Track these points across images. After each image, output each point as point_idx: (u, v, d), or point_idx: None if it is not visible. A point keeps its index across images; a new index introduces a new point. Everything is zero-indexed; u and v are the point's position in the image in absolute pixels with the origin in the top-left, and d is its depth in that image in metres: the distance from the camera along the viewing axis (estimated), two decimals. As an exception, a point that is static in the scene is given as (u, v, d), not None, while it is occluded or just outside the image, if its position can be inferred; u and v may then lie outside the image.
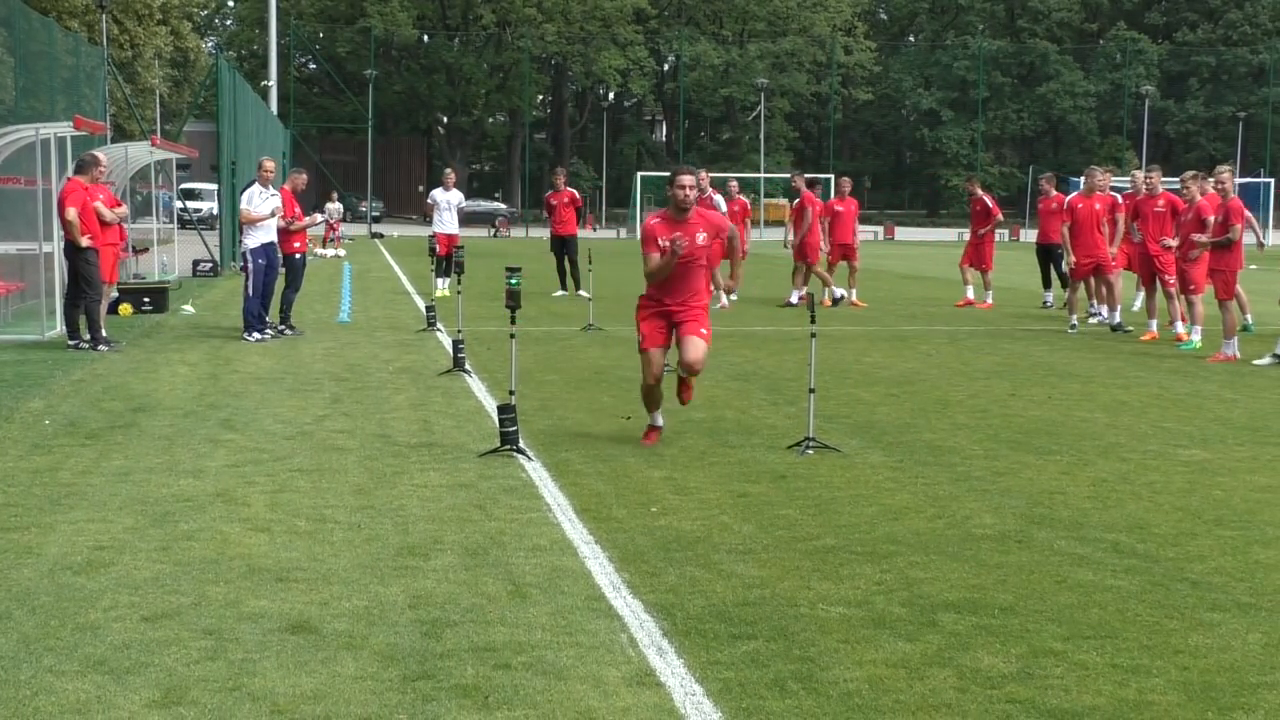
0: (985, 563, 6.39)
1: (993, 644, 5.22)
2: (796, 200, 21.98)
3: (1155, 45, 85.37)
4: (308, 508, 7.31)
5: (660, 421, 9.42)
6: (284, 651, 5.03)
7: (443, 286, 21.75)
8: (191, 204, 43.05)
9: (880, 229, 63.42)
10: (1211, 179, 15.35)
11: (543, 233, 40.59)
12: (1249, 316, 17.58)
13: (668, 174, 9.39)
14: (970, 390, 12.25)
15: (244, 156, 29.91)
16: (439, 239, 21.93)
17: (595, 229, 65.34)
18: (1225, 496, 7.91)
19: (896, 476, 8.36)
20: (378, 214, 64.75)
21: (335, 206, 43.67)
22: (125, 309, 18.49)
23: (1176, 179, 16.69)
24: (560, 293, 22.60)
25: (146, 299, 19.14)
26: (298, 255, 16.50)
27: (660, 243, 8.99)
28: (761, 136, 75.63)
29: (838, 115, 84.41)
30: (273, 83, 50.99)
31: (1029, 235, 55.13)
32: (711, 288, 9.95)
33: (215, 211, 38.33)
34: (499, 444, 8.82)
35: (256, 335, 15.45)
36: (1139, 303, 19.48)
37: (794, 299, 21.41)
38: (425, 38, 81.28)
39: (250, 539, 6.64)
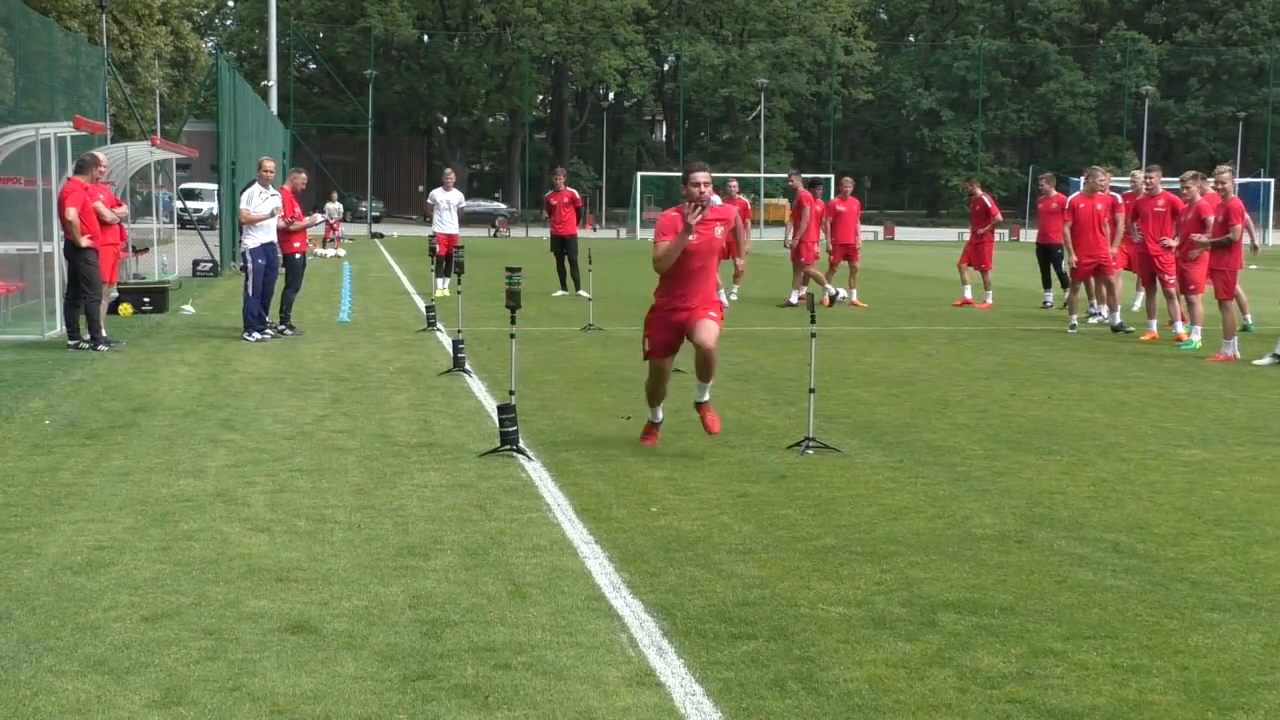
0: (985, 563, 6.40)
1: (993, 644, 5.22)
2: (794, 200, 21.99)
3: (1155, 45, 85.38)
4: (308, 508, 7.31)
5: (660, 418, 9.37)
6: (284, 651, 5.03)
7: (443, 286, 21.75)
8: (191, 204, 43.05)
9: (880, 229, 63.42)
10: (1211, 179, 15.35)
11: (543, 233, 40.59)
12: (1249, 316, 17.59)
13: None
14: (970, 390, 12.25)
15: (244, 156, 29.91)
16: (439, 239, 21.93)
17: (595, 229, 65.34)
18: (1225, 496, 7.91)
19: (896, 476, 8.36)
20: (378, 214, 64.76)
21: (335, 206, 43.68)
22: (125, 309, 18.49)
23: (1176, 179, 16.69)
24: (560, 293, 22.60)
25: (146, 299, 19.14)
26: (298, 255, 16.51)
27: (687, 226, 8.73)
28: (761, 136, 75.63)
29: (838, 115, 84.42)
30: (273, 83, 51.00)
31: (1029, 235, 55.14)
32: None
33: (215, 211, 38.33)
34: (499, 444, 8.82)
35: (256, 335, 15.46)
36: (1139, 303, 19.48)
37: (794, 299, 21.40)
38: (425, 38, 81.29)
39: (250, 539, 6.64)
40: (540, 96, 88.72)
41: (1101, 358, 14.98)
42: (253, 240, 15.47)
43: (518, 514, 7.23)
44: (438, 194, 23.49)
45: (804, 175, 24.68)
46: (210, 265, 27.36)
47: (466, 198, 37.12)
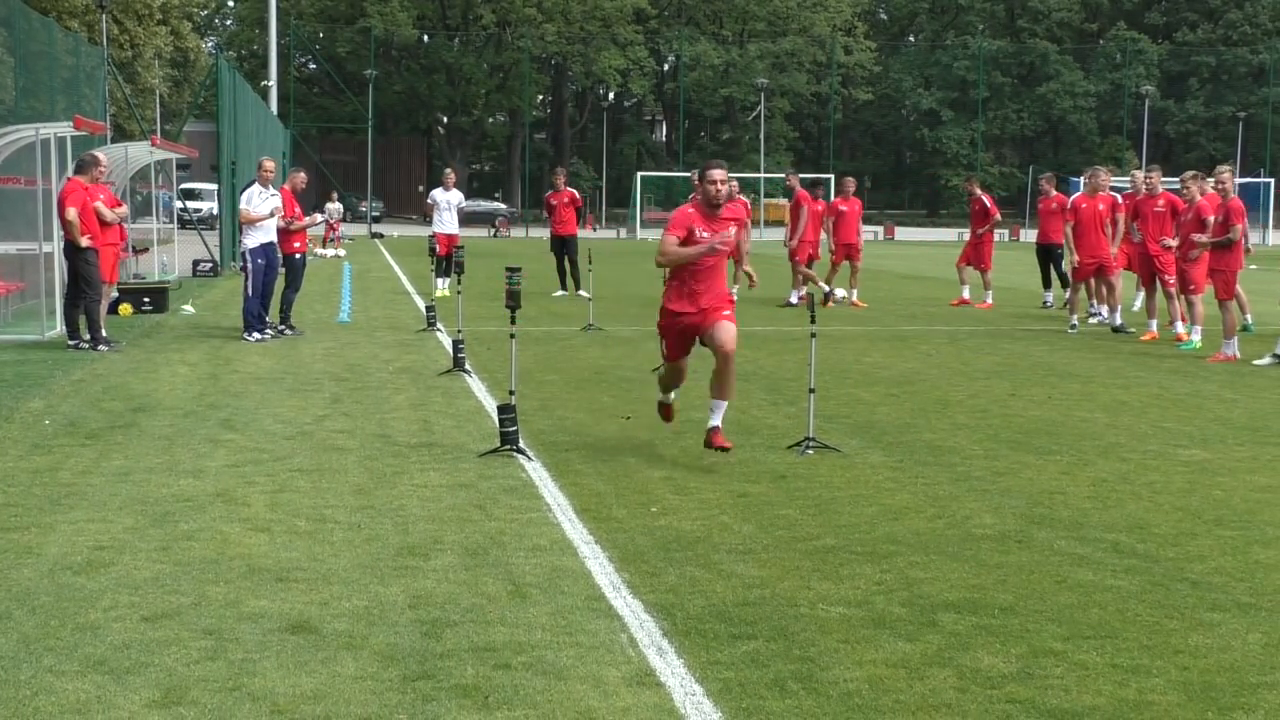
0: (985, 563, 6.40)
1: (993, 644, 5.22)
2: (792, 199, 21.98)
3: (1155, 45, 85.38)
4: (308, 508, 7.31)
5: (674, 398, 9.28)
6: (284, 651, 5.03)
7: (443, 286, 21.75)
8: (191, 204, 43.05)
9: (880, 229, 63.43)
10: (1211, 179, 15.35)
11: (543, 233, 40.59)
12: (1249, 316, 17.59)
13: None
14: (970, 390, 12.25)
15: (244, 156, 29.91)
16: (439, 239, 21.94)
17: (595, 229, 65.34)
18: (1225, 496, 7.91)
19: (896, 476, 8.36)
20: (378, 214, 64.76)
21: (335, 206, 43.67)
22: (125, 309, 18.48)
23: (1176, 179, 16.70)
24: (560, 293, 22.60)
25: (146, 299, 19.14)
26: (298, 255, 16.50)
27: (698, 233, 8.55)
28: (761, 136, 75.64)
29: (838, 115, 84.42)
30: (273, 83, 50.99)
31: (1029, 235, 55.15)
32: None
33: (215, 211, 38.34)
34: (499, 444, 8.82)
35: (256, 335, 15.46)
36: (1139, 303, 19.48)
37: (794, 299, 21.40)
38: (425, 38, 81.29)
39: (250, 539, 6.64)
40: (540, 96, 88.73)
41: (1101, 358, 14.98)
42: (252, 240, 15.47)
43: (518, 514, 7.23)
44: (438, 194, 23.49)
45: (805, 176, 24.67)
46: (210, 265, 27.36)
47: (466, 198, 37.12)
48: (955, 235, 56.63)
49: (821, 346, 10.61)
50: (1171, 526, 7.15)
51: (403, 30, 75.35)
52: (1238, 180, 24.01)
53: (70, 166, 16.08)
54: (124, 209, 16.62)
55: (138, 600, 5.63)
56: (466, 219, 35.24)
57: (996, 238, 25.45)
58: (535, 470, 8.34)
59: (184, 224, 35.80)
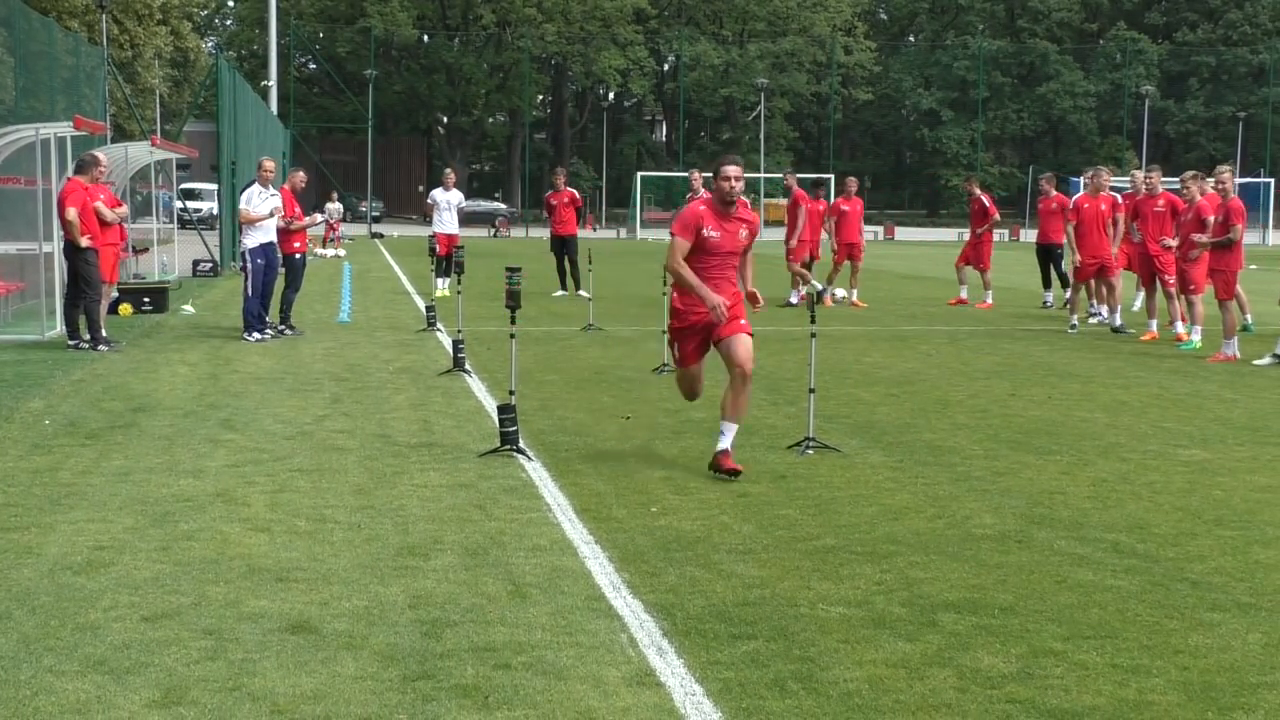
0: (985, 563, 6.40)
1: (993, 644, 5.22)
2: (789, 199, 21.99)
3: (1155, 45, 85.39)
4: (308, 508, 7.31)
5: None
6: (284, 651, 5.03)
7: (443, 286, 21.75)
8: (191, 204, 43.05)
9: (880, 229, 63.44)
10: (1211, 179, 15.36)
11: (543, 233, 40.60)
12: (1249, 316, 17.59)
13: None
14: (970, 390, 12.25)
15: (244, 156, 29.91)
16: (439, 239, 21.94)
17: (595, 229, 65.36)
18: (1225, 496, 7.91)
19: (896, 476, 8.36)
20: (378, 214, 64.77)
21: (335, 206, 43.68)
22: (125, 309, 18.49)
23: (1176, 179, 16.70)
24: (560, 293, 22.60)
25: (146, 299, 19.15)
26: (298, 255, 16.51)
27: (707, 232, 8.15)
28: (761, 136, 75.64)
29: (838, 115, 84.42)
30: (273, 83, 51.00)
31: (1029, 235, 55.15)
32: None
33: (215, 211, 38.34)
34: (499, 444, 8.82)
35: (256, 335, 15.46)
36: (1139, 303, 19.49)
37: (794, 299, 21.41)
38: (425, 38, 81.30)
39: (250, 539, 6.64)
40: (540, 96, 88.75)
41: (1101, 358, 14.98)
42: (252, 240, 15.47)
43: (518, 514, 7.23)
44: (438, 194, 23.50)
45: (806, 176, 24.67)
46: (210, 265, 27.37)
47: (466, 198, 37.12)
48: (955, 235, 56.63)
49: (821, 346, 10.61)
50: (1171, 526, 7.15)
51: (403, 30, 75.36)
52: (1238, 180, 24.00)
53: (70, 166, 16.09)
54: (124, 209, 16.62)
55: (138, 600, 5.63)
56: (466, 219, 35.26)
57: (996, 238, 25.45)
58: (535, 470, 8.34)
59: (184, 224, 35.81)
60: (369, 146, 66.76)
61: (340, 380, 12.30)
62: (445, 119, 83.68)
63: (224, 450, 8.89)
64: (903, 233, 66.79)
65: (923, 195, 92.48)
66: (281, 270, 16.12)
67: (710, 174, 8.59)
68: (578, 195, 24.21)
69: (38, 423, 9.85)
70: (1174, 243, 16.04)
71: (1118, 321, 17.72)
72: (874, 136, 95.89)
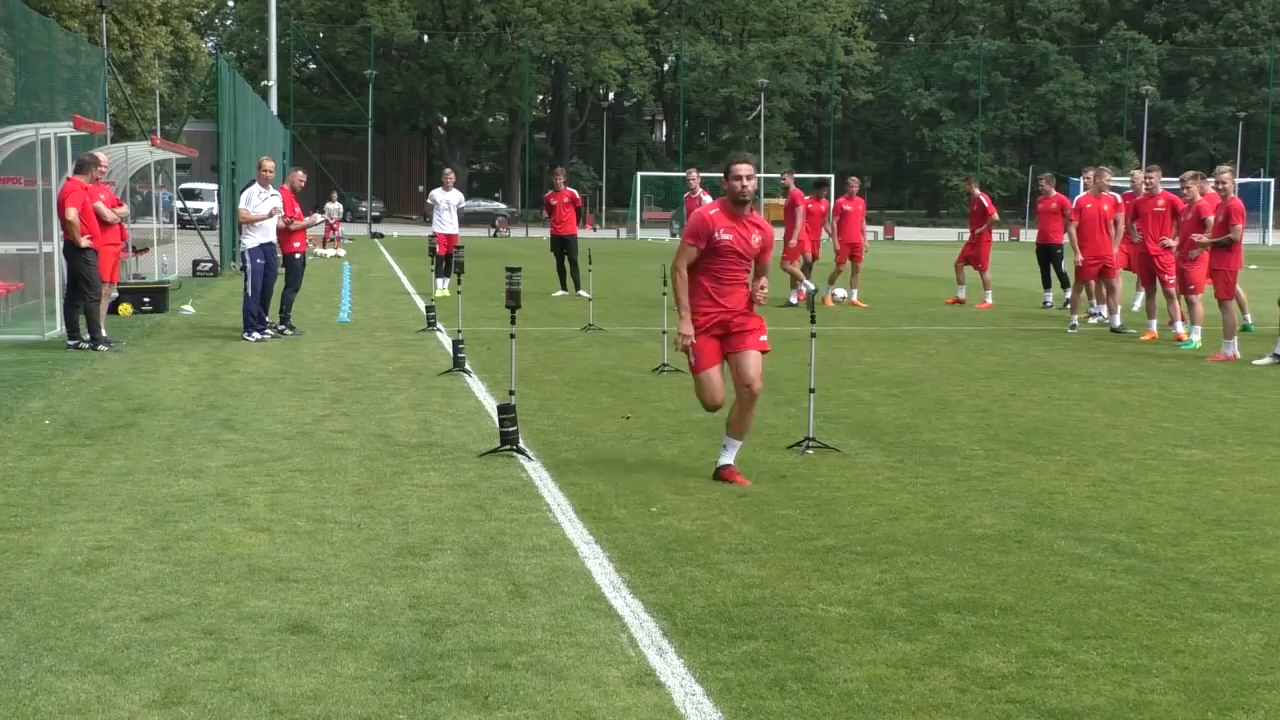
0: (985, 563, 6.39)
1: (993, 644, 5.22)
2: (787, 199, 21.97)
3: (1155, 45, 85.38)
4: (308, 508, 7.31)
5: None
6: (284, 651, 5.02)
7: (443, 286, 21.75)
8: (191, 204, 43.05)
9: (880, 229, 63.44)
10: (1211, 179, 15.36)
11: (543, 233, 40.58)
12: (1249, 316, 17.59)
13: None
14: (970, 390, 12.25)
15: (244, 156, 29.91)
16: (439, 239, 21.95)
17: (595, 229, 65.36)
18: (1225, 496, 7.91)
19: (896, 476, 8.36)
20: (378, 214, 64.75)
21: (335, 206, 43.69)
22: (125, 309, 18.48)
23: (1176, 179, 16.70)
24: (560, 293, 22.60)
25: (146, 299, 19.14)
26: (297, 255, 16.51)
27: (719, 236, 7.91)
28: (761, 136, 75.61)
29: (838, 115, 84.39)
30: (273, 83, 50.98)
31: (1029, 235, 55.14)
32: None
33: (215, 211, 38.34)
34: (499, 444, 8.82)
35: (256, 335, 15.46)
36: (1139, 303, 19.48)
37: (794, 299, 21.40)
38: (425, 38, 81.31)
39: (250, 539, 6.64)
40: (540, 96, 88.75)
41: (1101, 358, 14.98)
42: (252, 240, 15.47)
43: (518, 514, 7.23)
44: (437, 194, 23.50)
45: (806, 176, 24.66)
46: (210, 265, 27.37)
47: (466, 198, 37.14)
48: (955, 235, 56.61)
49: (821, 346, 10.61)
50: (1171, 526, 7.15)
51: (403, 30, 75.37)
52: (1238, 180, 24.01)
53: (70, 166, 16.08)
54: (124, 209, 16.62)
55: (138, 600, 5.63)
56: (466, 219, 35.26)
57: (996, 238, 25.44)
58: (535, 470, 8.34)
59: (184, 224, 35.81)
60: (369, 146, 66.76)
61: (340, 380, 12.30)
62: (445, 119, 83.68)
63: (224, 450, 8.89)
64: (903, 233, 66.79)
65: (923, 195, 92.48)
66: (281, 270, 16.13)
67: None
68: (578, 195, 24.21)
69: (38, 423, 9.84)
70: (1174, 243, 16.05)
71: (1117, 322, 17.73)
72: (874, 136, 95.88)
